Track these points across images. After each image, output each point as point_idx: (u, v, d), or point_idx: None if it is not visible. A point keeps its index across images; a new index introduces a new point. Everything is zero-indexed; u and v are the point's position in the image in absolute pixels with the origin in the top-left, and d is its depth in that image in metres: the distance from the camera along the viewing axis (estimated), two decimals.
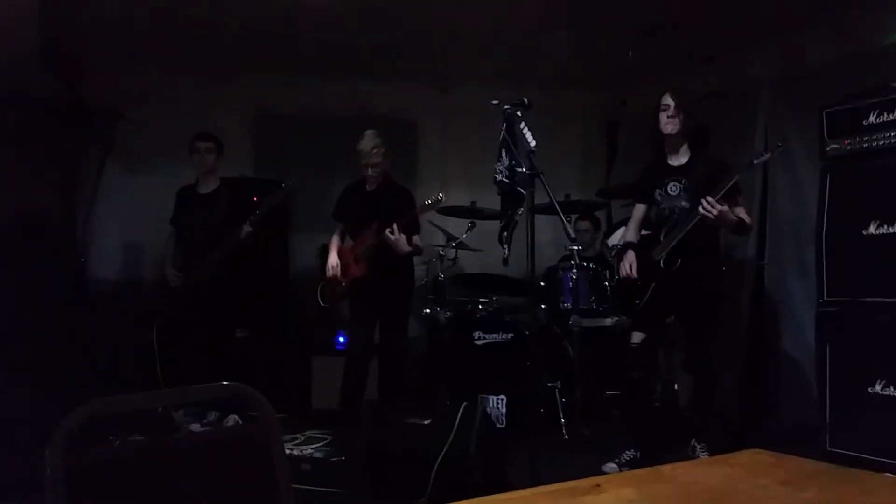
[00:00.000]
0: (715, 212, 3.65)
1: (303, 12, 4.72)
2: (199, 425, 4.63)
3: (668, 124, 3.91)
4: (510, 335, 5.04)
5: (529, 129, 3.39)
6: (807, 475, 1.47)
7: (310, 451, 4.22)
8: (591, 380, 5.00)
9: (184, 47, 5.46)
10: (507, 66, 5.84)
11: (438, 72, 6.23)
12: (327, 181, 5.70)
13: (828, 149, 3.76)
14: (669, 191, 3.98)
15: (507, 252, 3.67)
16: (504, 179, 3.54)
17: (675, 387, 4.86)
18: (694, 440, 3.99)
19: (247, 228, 4.66)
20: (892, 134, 3.49)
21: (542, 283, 5.14)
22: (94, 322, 5.11)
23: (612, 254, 4.93)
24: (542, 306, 5.19)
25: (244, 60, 5.78)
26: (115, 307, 5.57)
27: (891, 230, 3.48)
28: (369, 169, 4.58)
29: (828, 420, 3.64)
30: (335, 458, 4.03)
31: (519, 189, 3.47)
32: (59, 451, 1.15)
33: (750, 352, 5.22)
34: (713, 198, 3.66)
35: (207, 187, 4.96)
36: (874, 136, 3.56)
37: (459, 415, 3.53)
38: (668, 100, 3.91)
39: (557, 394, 4.79)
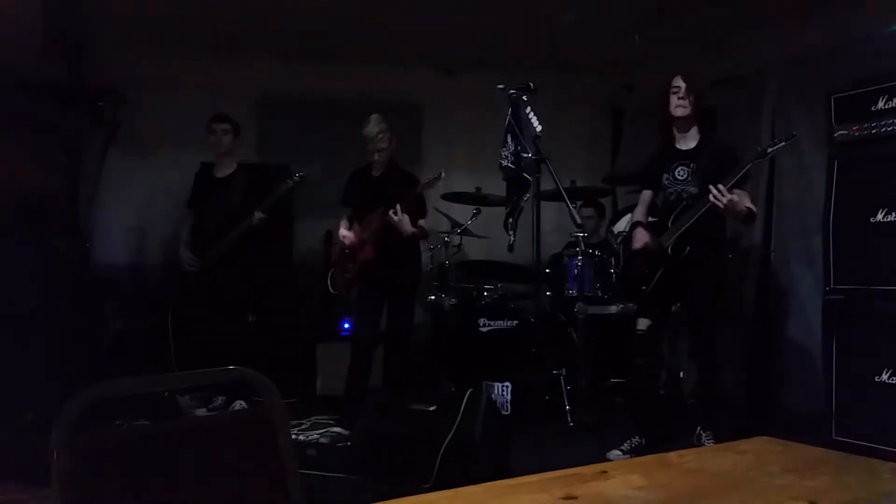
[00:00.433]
0: (725, 200, 3.59)
1: None
2: (205, 410, 4.64)
3: (679, 107, 3.85)
4: (515, 322, 5.03)
5: (535, 114, 3.38)
6: (816, 462, 1.46)
7: (315, 436, 4.23)
8: (595, 367, 4.98)
9: (188, 31, 5.44)
10: (512, 50, 5.80)
11: (444, 56, 6.19)
12: (332, 166, 5.67)
13: (835, 135, 3.72)
14: (677, 175, 3.93)
15: (512, 238, 3.66)
16: (510, 165, 3.52)
17: (681, 374, 4.85)
18: (699, 428, 3.96)
19: (259, 214, 4.67)
20: None
21: (548, 270, 5.13)
22: (99, 305, 5.12)
23: (618, 240, 4.91)
24: (548, 293, 5.18)
25: (248, 44, 5.75)
26: (120, 291, 5.57)
27: None
28: (375, 154, 4.55)
29: (833, 408, 3.63)
30: (341, 444, 4.04)
31: (524, 175, 3.45)
32: (65, 434, 1.14)
33: (755, 339, 5.21)
34: (724, 186, 3.60)
35: (224, 171, 4.96)
36: (882, 122, 3.52)
37: (464, 401, 3.53)
38: (679, 82, 3.85)
39: (562, 381, 4.78)
